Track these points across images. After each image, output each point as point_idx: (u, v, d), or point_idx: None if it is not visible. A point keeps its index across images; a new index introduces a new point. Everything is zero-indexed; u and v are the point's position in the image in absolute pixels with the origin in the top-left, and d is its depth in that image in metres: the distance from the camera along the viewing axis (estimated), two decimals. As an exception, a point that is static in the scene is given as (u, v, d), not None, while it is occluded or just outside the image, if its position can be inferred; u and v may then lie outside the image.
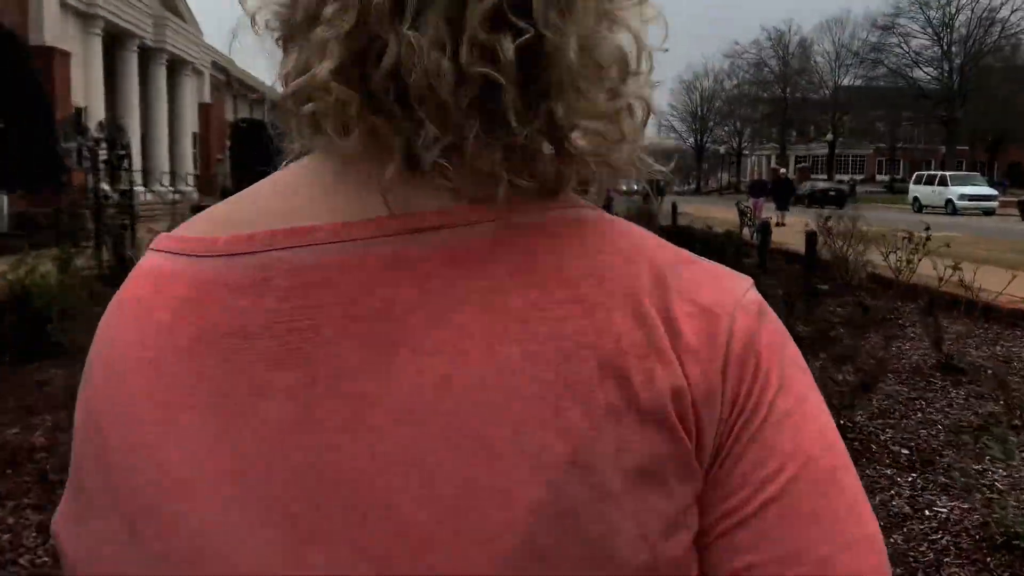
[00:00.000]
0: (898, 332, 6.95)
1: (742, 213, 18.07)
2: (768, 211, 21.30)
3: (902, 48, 55.13)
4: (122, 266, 8.79)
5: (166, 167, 33.30)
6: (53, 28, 23.64)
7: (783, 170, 25.89)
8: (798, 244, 14.64)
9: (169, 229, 0.55)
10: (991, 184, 40.11)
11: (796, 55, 64.68)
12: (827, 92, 63.96)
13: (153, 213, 27.17)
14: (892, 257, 7.95)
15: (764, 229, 12.25)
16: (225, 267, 0.45)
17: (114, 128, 9.89)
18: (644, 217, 17.75)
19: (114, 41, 28.79)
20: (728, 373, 0.44)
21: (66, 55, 24.38)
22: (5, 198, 12.59)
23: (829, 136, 52.10)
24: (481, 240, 0.44)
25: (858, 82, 62.27)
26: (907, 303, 8.27)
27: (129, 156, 9.40)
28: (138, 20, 29.41)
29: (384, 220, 0.44)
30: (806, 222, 11.91)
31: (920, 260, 7.87)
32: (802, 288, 7.76)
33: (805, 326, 6.68)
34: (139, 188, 29.73)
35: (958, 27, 53.47)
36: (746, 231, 17.07)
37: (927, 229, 7.66)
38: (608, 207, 0.70)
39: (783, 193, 23.91)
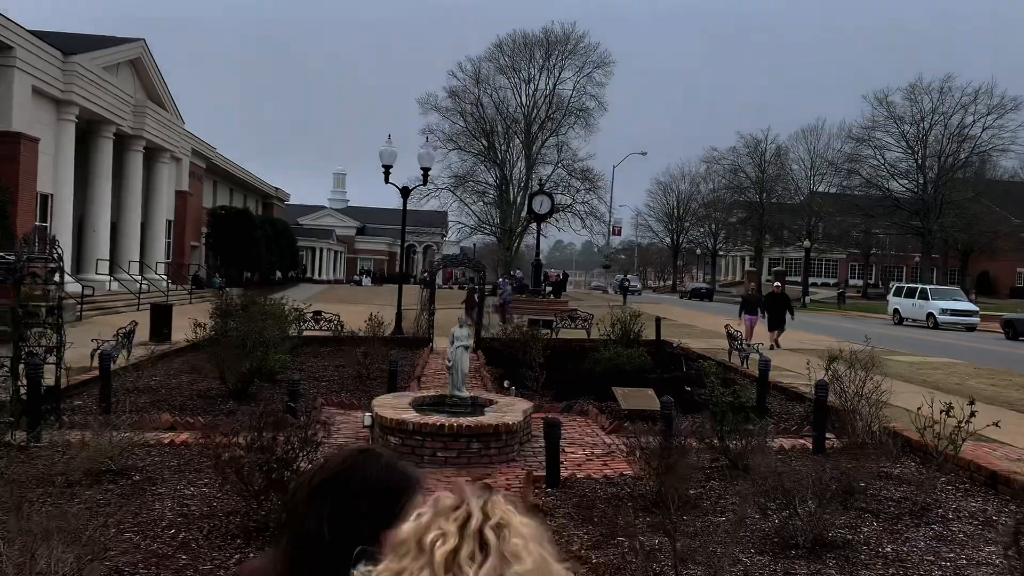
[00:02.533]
0: (944, 530, 6.04)
1: (731, 337, 16.96)
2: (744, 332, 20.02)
3: (877, 160, 56.17)
4: (34, 398, 7.75)
5: (136, 256, 32.31)
6: (22, 114, 22.96)
7: (778, 283, 23.16)
8: (791, 372, 13.69)
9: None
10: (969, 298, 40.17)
11: (772, 162, 65.77)
12: (802, 198, 64.82)
13: (116, 304, 26.09)
14: (927, 433, 7.08)
15: (763, 367, 11.35)
16: None
17: (41, 237, 8.96)
18: (627, 337, 16.96)
19: (89, 127, 28.21)
20: None
21: (34, 141, 23.66)
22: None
23: (807, 243, 52.38)
24: None
25: (833, 189, 63.20)
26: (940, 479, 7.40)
27: (61, 269, 8.40)
28: (116, 107, 28.90)
29: None
30: (807, 361, 11.09)
31: (964, 441, 7.00)
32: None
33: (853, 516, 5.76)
34: (104, 277, 28.70)
35: (932, 142, 54.65)
36: (736, 357, 16.08)
37: (971, 404, 6.75)
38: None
39: (779, 310, 20.86)
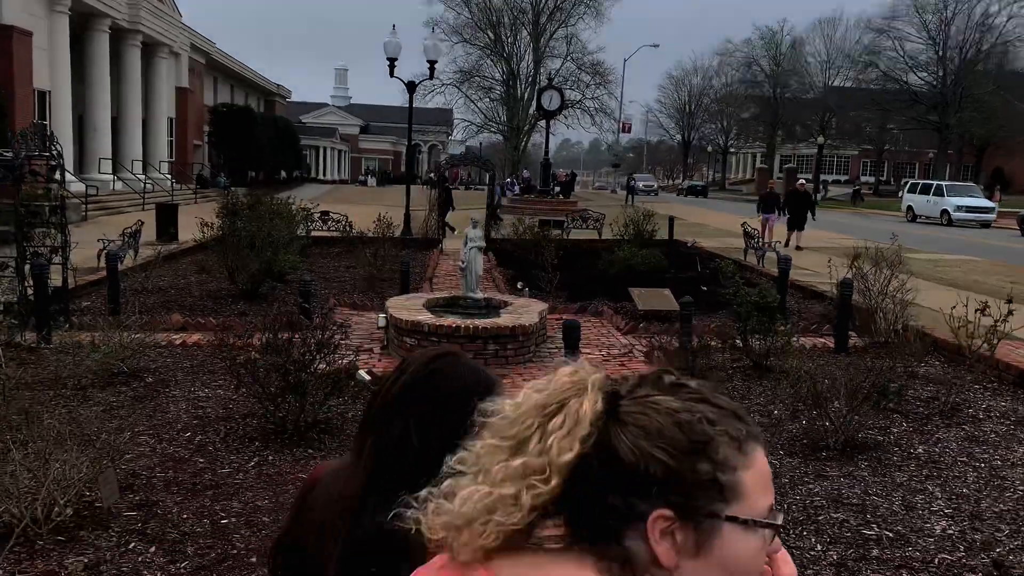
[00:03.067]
0: (976, 431, 5.90)
1: (747, 235, 16.61)
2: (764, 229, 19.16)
3: (896, 52, 54.31)
4: (41, 303, 7.57)
5: (139, 155, 31.76)
6: (13, 5, 22.10)
7: (802, 180, 21.36)
8: (808, 271, 13.45)
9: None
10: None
11: (787, 55, 63.73)
12: (816, 93, 63.12)
13: (120, 204, 25.78)
14: (961, 333, 6.87)
15: (783, 265, 11.01)
16: None
17: (40, 132, 8.60)
18: (643, 235, 16.67)
19: (84, 21, 27.23)
20: None
21: (27, 35, 22.85)
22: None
23: (820, 139, 51.18)
24: None
25: (849, 83, 61.44)
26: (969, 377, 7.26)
27: (61, 166, 8.10)
28: (109, -1, 27.82)
29: None
30: (828, 259, 10.83)
31: (999, 341, 6.80)
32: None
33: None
34: (107, 177, 28.28)
35: (954, 32, 52.72)
36: (751, 256, 15.80)
37: (1009, 303, 6.51)
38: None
39: (800, 208, 19.46)
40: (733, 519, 0.85)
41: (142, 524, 4.16)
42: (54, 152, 8.60)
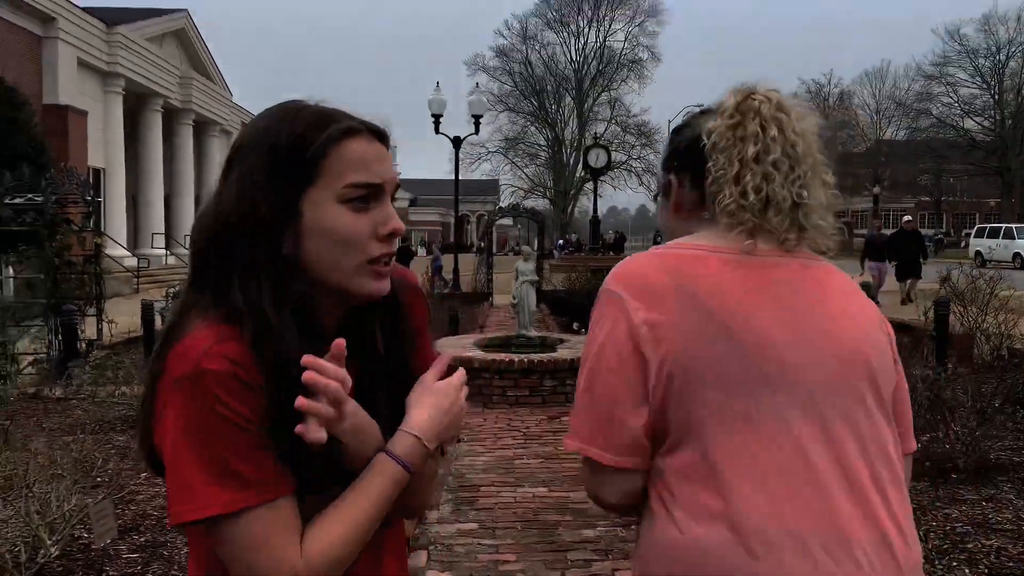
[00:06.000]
0: None
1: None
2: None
3: (950, 97, 53.11)
4: (71, 352, 7.10)
5: (190, 229, 32.10)
6: (68, 86, 22.65)
7: (908, 217, 17.95)
8: (886, 305, 12.09)
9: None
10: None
11: (836, 107, 62.91)
12: (868, 145, 61.97)
13: (172, 278, 25.89)
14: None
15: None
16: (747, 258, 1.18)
17: (75, 178, 8.29)
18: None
19: (138, 100, 27.93)
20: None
21: (82, 115, 23.38)
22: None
23: (876, 188, 49.89)
24: (819, 266, 1.24)
25: (902, 133, 60.22)
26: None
27: (96, 215, 7.72)
28: (162, 79, 28.55)
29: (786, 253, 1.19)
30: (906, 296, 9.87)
31: None
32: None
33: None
34: (160, 251, 28.57)
35: (1009, 75, 51.44)
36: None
37: None
38: None
39: (912, 253, 15.76)
40: None
41: (143, 567, 3.49)
42: (87, 198, 8.27)
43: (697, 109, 1.39)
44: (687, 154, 1.29)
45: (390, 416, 1.10)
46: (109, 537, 3.50)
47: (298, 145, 1.05)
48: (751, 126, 1.21)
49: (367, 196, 1.06)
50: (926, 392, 4.85)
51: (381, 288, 1.09)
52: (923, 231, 69.96)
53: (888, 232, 20.26)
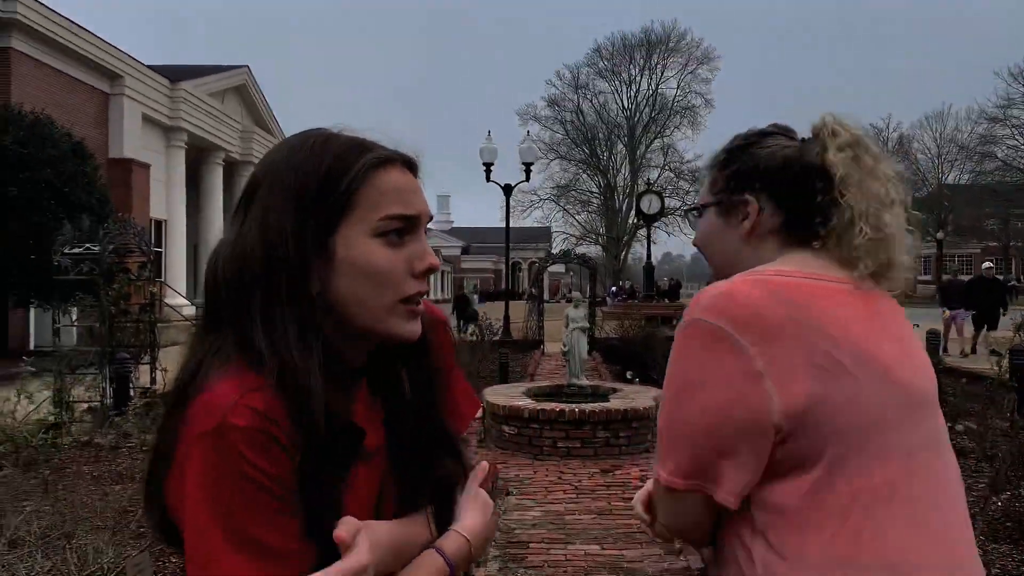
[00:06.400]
0: None
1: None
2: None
3: (1016, 140, 51.78)
4: (122, 400, 7.13)
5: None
6: (133, 140, 23.44)
7: (988, 264, 17.10)
8: (955, 355, 11.40)
9: None
10: None
11: (895, 151, 61.84)
12: (929, 190, 60.64)
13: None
14: None
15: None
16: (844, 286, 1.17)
17: (129, 227, 8.42)
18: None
19: (199, 153, 28.79)
20: None
21: (144, 167, 24.13)
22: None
23: (940, 234, 48.66)
24: (892, 300, 1.23)
25: (964, 177, 58.81)
26: None
27: (156, 265, 7.80)
28: (223, 133, 29.41)
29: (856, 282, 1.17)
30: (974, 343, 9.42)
31: None
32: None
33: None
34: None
35: (1076, 115, 50.01)
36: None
37: None
38: None
39: (992, 301, 15.05)
40: None
41: (177, 626, 3.38)
42: (143, 248, 8.41)
43: (749, 130, 1.36)
44: (775, 176, 1.25)
45: (417, 458, 1.07)
46: (144, 594, 3.39)
47: (331, 175, 0.99)
48: (866, 160, 1.21)
49: (403, 229, 1.01)
50: (1007, 446, 4.52)
51: (414, 330, 1.03)
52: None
53: (965, 278, 19.02)
